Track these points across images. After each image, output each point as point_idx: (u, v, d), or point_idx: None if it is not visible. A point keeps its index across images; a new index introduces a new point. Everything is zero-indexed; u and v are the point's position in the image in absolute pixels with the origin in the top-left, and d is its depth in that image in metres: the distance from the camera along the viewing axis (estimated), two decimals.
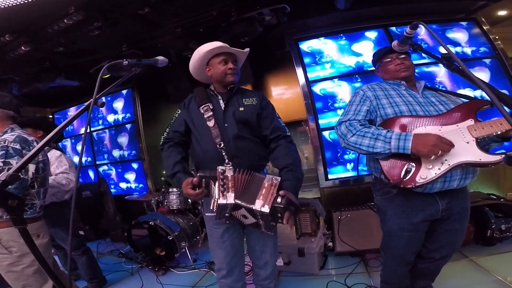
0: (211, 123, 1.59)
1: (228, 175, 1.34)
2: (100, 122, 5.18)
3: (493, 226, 2.50)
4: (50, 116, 5.54)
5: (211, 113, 1.61)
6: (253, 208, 1.32)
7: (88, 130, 5.23)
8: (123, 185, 5.00)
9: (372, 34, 3.43)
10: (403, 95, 1.57)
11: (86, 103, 1.03)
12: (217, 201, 1.31)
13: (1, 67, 3.53)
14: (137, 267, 3.29)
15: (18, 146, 1.58)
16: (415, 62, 3.09)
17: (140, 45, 3.46)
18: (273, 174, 1.46)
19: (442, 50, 3.15)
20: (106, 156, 5.17)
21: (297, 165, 1.58)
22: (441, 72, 3.25)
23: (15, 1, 2.46)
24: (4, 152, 1.52)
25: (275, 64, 3.95)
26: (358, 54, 3.45)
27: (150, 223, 3.14)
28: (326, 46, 3.52)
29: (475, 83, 0.93)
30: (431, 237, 1.58)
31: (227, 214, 1.38)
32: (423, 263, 1.68)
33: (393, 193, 1.46)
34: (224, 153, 1.53)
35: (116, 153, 5.04)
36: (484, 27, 3.30)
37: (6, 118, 1.73)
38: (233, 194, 1.31)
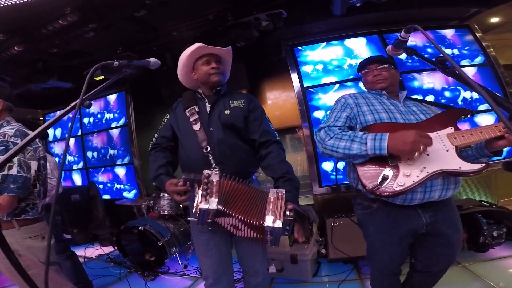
0: (196, 127, 1.54)
1: (213, 180, 1.28)
2: (91, 119, 5.12)
3: (486, 233, 2.51)
4: (41, 118, 5.47)
5: (196, 116, 1.57)
6: (265, 224, 1.25)
7: (79, 133, 5.19)
8: (113, 189, 4.91)
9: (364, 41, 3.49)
10: (384, 103, 1.58)
11: (73, 103, 1.00)
12: (198, 205, 1.25)
13: None
14: (126, 272, 3.21)
15: (19, 141, 1.47)
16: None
17: (135, 47, 3.45)
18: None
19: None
20: (97, 159, 5.09)
21: (292, 173, 1.52)
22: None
23: (10, 1, 2.44)
24: (4, 147, 1.42)
25: (271, 69, 3.96)
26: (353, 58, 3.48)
27: (139, 228, 3.07)
28: (322, 53, 3.56)
29: (471, 86, 0.92)
30: (425, 252, 1.54)
31: (209, 220, 1.30)
32: (420, 275, 1.63)
33: (373, 208, 1.43)
34: (211, 158, 1.48)
35: (107, 157, 4.97)
36: (477, 34, 3.36)
37: (6, 110, 1.63)
38: (216, 200, 1.24)
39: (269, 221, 1.25)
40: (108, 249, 3.99)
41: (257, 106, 1.68)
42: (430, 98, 3.27)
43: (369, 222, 1.55)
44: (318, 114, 3.51)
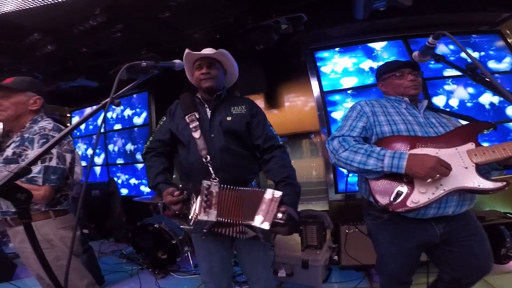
0: (196, 134, 1.50)
1: (213, 191, 1.27)
2: (113, 115, 5.29)
3: (508, 245, 2.42)
4: (68, 115, 5.74)
5: (197, 123, 1.52)
6: (252, 224, 1.25)
7: (102, 130, 5.37)
8: (131, 186, 5.04)
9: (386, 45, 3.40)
10: (402, 113, 1.50)
11: (104, 101, 1.03)
12: (197, 216, 1.23)
13: (27, 64, 3.71)
14: (137, 268, 3.25)
15: (56, 135, 1.53)
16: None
17: (158, 49, 3.55)
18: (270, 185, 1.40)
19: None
20: (118, 156, 5.25)
21: (294, 178, 1.49)
22: None
23: (45, 1, 2.59)
24: (44, 140, 1.49)
25: (289, 73, 3.93)
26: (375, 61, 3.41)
27: (155, 225, 3.12)
28: (342, 58, 3.51)
29: (503, 95, 0.87)
30: (449, 263, 1.44)
31: (204, 230, 1.31)
32: (446, 286, 1.53)
33: (384, 219, 1.37)
34: (210, 167, 1.44)
35: (128, 154, 5.11)
36: (509, 40, 3.19)
37: (43, 106, 1.70)
38: (215, 212, 1.24)
39: (257, 221, 1.25)
40: (122, 246, 4.06)
41: (259, 111, 1.66)
42: (455, 101, 3.13)
43: (379, 232, 1.51)
44: (336, 115, 3.45)
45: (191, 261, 3.19)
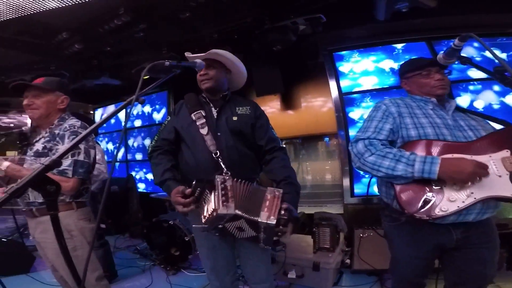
0: (204, 131, 1.53)
1: (228, 185, 1.29)
2: (134, 112, 5.40)
3: None
4: (91, 112, 5.97)
5: (203, 120, 1.55)
6: (258, 220, 1.25)
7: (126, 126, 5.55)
8: (149, 181, 5.14)
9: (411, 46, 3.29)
10: (429, 115, 1.41)
11: (128, 99, 1.06)
12: (215, 210, 1.23)
13: (55, 62, 3.89)
14: (150, 264, 3.30)
15: (83, 132, 1.62)
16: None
17: (178, 48, 3.63)
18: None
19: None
20: (137, 151, 5.39)
21: (294, 178, 1.54)
22: None
23: (74, 1, 2.71)
24: (74, 136, 1.60)
25: (307, 74, 3.90)
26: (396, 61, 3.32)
27: (169, 222, 3.17)
28: (361, 59, 3.45)
29: None
30: (453, 268, 1.40)
31: (220, 226, 1.31)
32: None
33: (401, 221, 1.32)
34: (221, 162, 1.46)
35: (146, 148, 5.24)
36: None
37: (68, 105, 1.81)
38: (233, 204, 1.25)
39: (263, 217, 1.25)
40: (137, 241, 4.15)
41: (263, 113, 1.71)
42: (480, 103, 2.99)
43: (396, 234, 1.47)
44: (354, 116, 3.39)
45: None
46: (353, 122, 3.38)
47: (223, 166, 1.45)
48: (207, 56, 1.60)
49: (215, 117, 1.60)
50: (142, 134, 5.38)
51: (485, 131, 1.36)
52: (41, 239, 1.63)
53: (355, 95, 3.42)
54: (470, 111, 1.53)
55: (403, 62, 1.67)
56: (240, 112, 1.62)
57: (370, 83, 3.39)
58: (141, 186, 5.21)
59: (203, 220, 1.30)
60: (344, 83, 3.47)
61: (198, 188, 1.32)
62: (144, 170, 5.27)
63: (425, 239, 1.36)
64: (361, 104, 3.39)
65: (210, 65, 1.61)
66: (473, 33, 1.08)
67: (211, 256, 1.58)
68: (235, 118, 1.59)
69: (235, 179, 1.34)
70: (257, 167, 1.65)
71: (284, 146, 1.66)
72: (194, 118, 1.57)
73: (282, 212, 1.27)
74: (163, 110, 5.06)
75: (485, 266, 1.34)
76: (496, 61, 1.03)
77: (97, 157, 2.61)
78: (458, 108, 1.51)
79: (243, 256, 1.61)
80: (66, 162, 1.56)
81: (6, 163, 1.49)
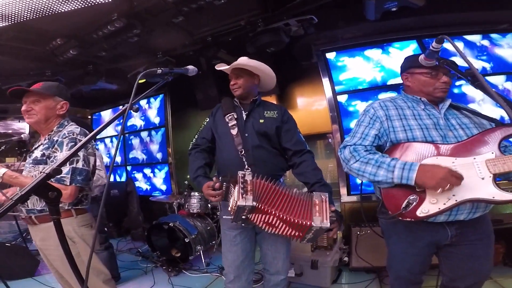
0: (234, 131, 1.71)
1: (247, 180, 1.39)
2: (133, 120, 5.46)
3: None
4: (89, 117, 5.98)
5: (234, 122, 1.73)
6: (313, 224, 1.35)
7: (123, 130, 5.56)
8: (148, 185, 5.19)
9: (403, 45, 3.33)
10: (419, 116, 1.42)
11: (122, 108, 1.12)
12: (236, 202, 1.36)
13: (51, 68, 3.91)
14: (152, 266, 3.35)
15: (82, 138, 1.63)
16: None
17: (173, 52, 3.66)
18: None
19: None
20: (135, 157, 5.42)
21: (325, 180, 1.68)
22: None
23: (68, 7, 2.73)
24: (73, 143, 1.60)
25: (301, 75, 3.93)
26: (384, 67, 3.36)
27: (169, 224, 3.22)
28: (354, 58, 3.49)
29: (496, 101, 0.88)
30: (449, 264, 1.45)
31: (243, 217, 1.41)
32: None
33: (397, 218, 1.36)
34: (244, 160, 1.63)
35: (144, 155, 5.27)
36: None
37: (67, 110, 1.81)
38: (251, 197, 1.35)
39: (317, 221, 1.36)
40: (138, 244, 4.20)
41: (291, 118, 1.85)
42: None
43: (392, 231, 1.52)
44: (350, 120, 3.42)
45: (203, 260, 3.26)
46: (349, 116, 3.40)
47: (245, 163, 1.62)
48: (232, 67, 1.78)
49: (244, 119, 1.77)
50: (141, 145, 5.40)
51: (477, 128, 1.37)
52: (43, 246, 1.65)
53: (347, 99, 3.46)
54: (464, 107, 1.51)
55: (410, 55, 1.61)
56: (268, 115, 1.78)
57: (363, 83, 3.43)
58: (143, 186, 5.24)
59: (231, 212, 1.45)
60: (338, 83, 3.51)
61: (224, 183, 1.50)
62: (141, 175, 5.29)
63: (420, 236, 1.40)
64: (355, 106, 3.42)
65: (238, 74, 1.78)
66: (465, 29, 1.12)
67: (233, 250, 1.70)
68: (261, 121, 1.75)
69: (256, 175, 1.45)
70: (283, 165, 1.79)
71: (310, 149, 1.78)
72: (227, 119, 1.75)
73: (331, 214, 1.39)
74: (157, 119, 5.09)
75: (481, 262, 1.38)
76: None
77: (97, 163, 2.66)
78: (453, 105, 1.49)
79: (264, 247, 1.75)
80: (64, 170, 1.55)
81: (2, 170, 1.49)
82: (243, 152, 1.64)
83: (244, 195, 1.35)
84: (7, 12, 2.65)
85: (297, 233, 1.41)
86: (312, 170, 1.68)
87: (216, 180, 1.53)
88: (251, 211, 1.38)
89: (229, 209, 1.46)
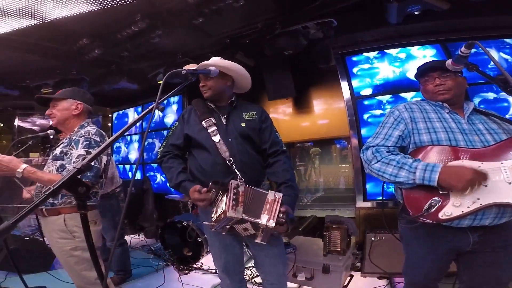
0: (216, 138, 1.59)
1: (240, 191, 1.37)
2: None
3: None
4: (110, 115, 6.16)
5: (215, 127, 1.62)
6: (259, 222, 1.35)
7: (140, 130, 5.68)
8: (163, 184, 5.22)
9: (428, 52, 3.24)
10: (445, 119, 1.41)
11: (150, 107, 1.13)
12: (226, 212, 1.31)
13: (76, 67, 4.06)
14: (163, 264, 3.37)
15: (98, 139, 1.77)
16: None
17: (191, 54, 3.72)
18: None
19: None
20: (152, 155, 5.49)
21: (294, 181, 1.64)
22: None
23: (92, 8, 2.85)
24: (87, 142, 1.72)
25: (319, 78, 3.90)
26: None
27: (183, 223, 3.24)
28: (374, 62, 3.43)
29: None
30: (469, 272, 1.39)
31: (227, 227, 1.41)
32: None
33: (418, 223, 1.33)
34: (235, 168, 1.54)
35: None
36: None
37: (86, 112, 1.96)
38: (241, 209, 1.34)
39: (263, 219, 1.36)
40: (151, 241, 4.24)
41: (267, 117, 1.78)
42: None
43: (411, 236, 1.48)
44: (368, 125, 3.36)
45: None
46: (366, 125, 3.35)
47: (237, 172, 1.53)
48: (199, 68, 1.63)
49: (225, 124, 1.67)
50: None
51: (506, 134, 1.34)
52: (48, 237, 1.75)
53: (367, 103, 3.40)
54: (493, 113, 1.47)
55: (419, 65, 1.63)
56: (247, 118, 1.70)
57: (383, 87, 3.36)
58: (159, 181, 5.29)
59: (213, 219, 1.40)
60: (356, 86, 3.46)
61: (213, 189, 1.42)
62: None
63: (440, 242, 1.36)
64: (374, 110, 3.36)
65: (207, 75, 1.63)
66: (486, 35, 1.10)
67: (223, 256, 1.65)
68: (243, 124, 1.67)
69: (248, 186, 1.41)
70: (264, 170, 1.73)
71: (285, 149, 1.73)
72: (205, 125, 1.63)
73: (281, 214, 1.37)
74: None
75: (502, 270, 1.32)
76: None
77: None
78: (480, 111, 1.48)
79: (259, 257, 1.67)
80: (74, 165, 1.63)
81: (23, 166, 1.60)
82: (232, 160, 1.55)
83: (234, 207, 1.32)
84: (36, 10, 2.78)
85: (254, 232, 1.43)
86: (282, 171, 1.63)
87: (212, 186, 1.43)
88: (238, 222, 1.38)
89: (215, 216, 1.40)
